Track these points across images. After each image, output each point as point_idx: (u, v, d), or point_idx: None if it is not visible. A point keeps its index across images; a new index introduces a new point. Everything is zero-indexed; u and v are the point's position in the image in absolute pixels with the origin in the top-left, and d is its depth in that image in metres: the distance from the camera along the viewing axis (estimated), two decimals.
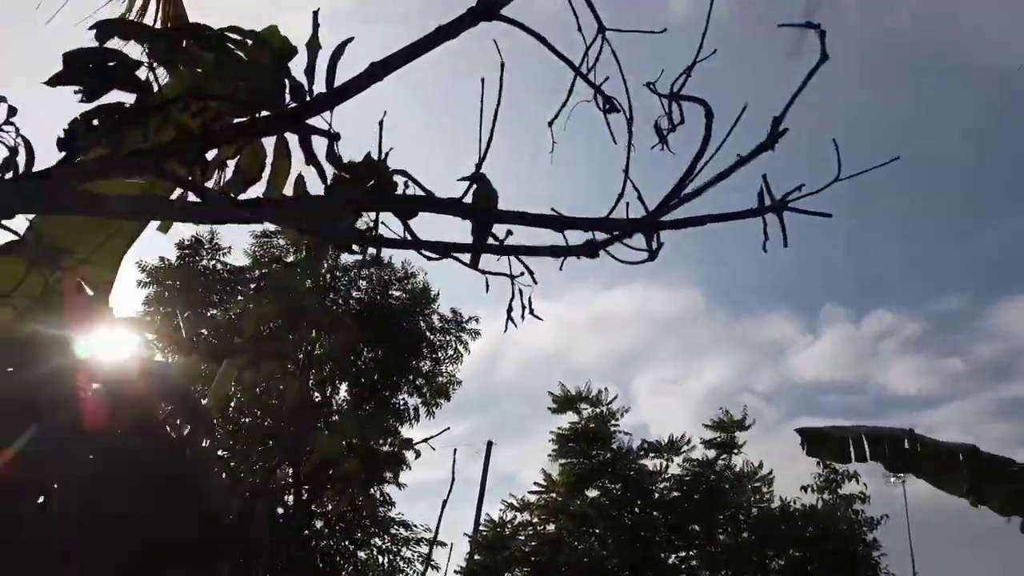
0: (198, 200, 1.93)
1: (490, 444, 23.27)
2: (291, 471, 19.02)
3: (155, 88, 2.05)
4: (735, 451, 26.33)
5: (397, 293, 21.75)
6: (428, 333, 21.66)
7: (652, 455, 26.43)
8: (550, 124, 2.54)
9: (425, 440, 16.17)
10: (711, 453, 26.41)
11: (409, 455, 19.27)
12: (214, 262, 20.65)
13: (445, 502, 19.15)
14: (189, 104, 2.01)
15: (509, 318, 2.91)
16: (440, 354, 21.67)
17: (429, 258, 2.65)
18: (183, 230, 19.44)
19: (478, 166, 1.90)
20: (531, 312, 2.91)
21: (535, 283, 2.90)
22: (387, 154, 2.21)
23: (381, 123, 2.11)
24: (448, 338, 21.89)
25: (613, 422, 26.65)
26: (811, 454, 10.53)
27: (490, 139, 1.92)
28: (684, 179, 2.11)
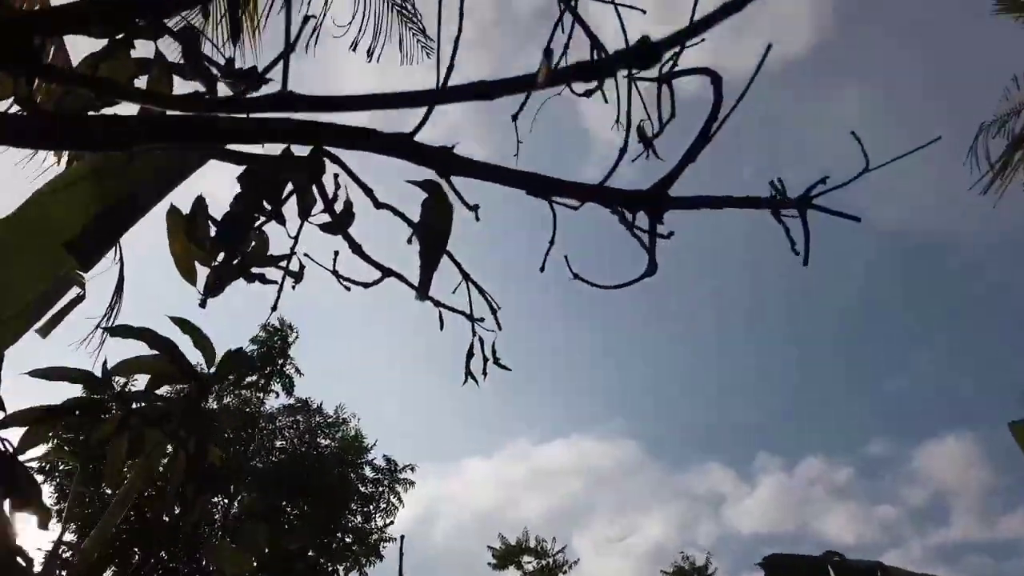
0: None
1: None
2: None
3: None
4: None
5: (326, 442, 20.36)
6: (360, 485, 20.15)
7: None
8: (514, 118, 2.10)
9: None
10: None
11: None
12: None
13: None
14: None
15: (468, 372, 2.32)
16: (372, 507, 20.09)
17: (366, 285, 2.08)
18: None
19: (439, 90, 1.40)
20: (496, 361, 2.33)
21: (499, 327, 2.35)
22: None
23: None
24: (381, 489, 20.40)
25: (560, 575, 24.89)
26: None
27: (450, 67, 1.44)
28: (695, 147, 1.66)
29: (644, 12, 2.17)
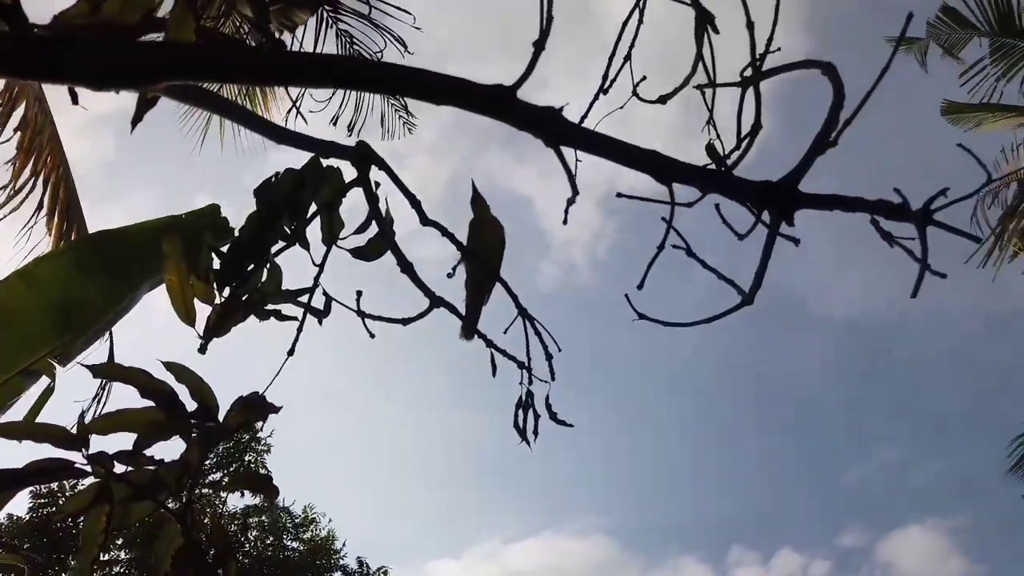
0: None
1: None
2: None
3: None
4: None
5: (293, 544, 19.11)
6: None
7: None
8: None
9: None
10: None
11: None
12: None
13: None
14: None
15: (520, 430, 1.94)
16: None
17: (405, 322, 1.72)
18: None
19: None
20: (552, 416, 1.96)
21: (553, 377, 1.99)
22: None
23: None
24: None
25: None
26: None
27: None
28: (825, 134, 1.38)
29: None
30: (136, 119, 1.44)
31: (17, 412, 2.37)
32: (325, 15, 6.46)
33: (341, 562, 19.33)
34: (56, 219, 5.64)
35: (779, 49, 1.81)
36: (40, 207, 5.54)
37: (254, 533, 18.83)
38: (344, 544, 19.37)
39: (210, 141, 8.29)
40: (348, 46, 6.75)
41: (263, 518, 18.84)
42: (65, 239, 5.75)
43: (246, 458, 18.58)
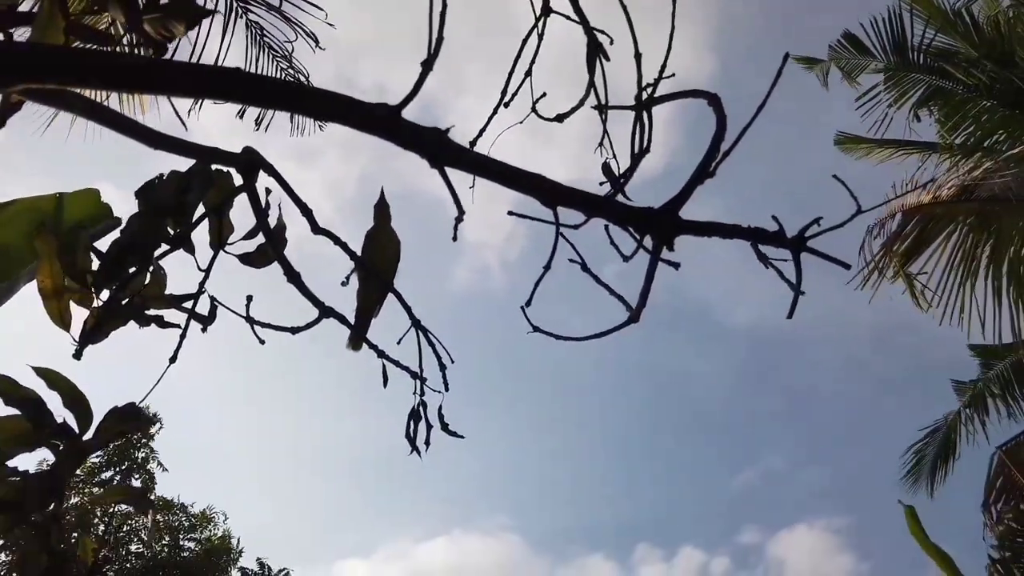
0: None
1: None
2: None
3: None
4: None
5: (190, 544, 18.43)
6: None
7: None
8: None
9: None
10: None
11: None
12: None
13: None
14: None
15: (411, 440, 1.94)
16: None
17: (294, 331, 1.69)
18: None
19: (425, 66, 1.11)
20: (443, 428, 1.97)
21: (446, 388, 2.00)
22: None
23: None
24: None
25: None
26: None
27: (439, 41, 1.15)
28: (706, 164, 1.44)
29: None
30: None
31: None
32: (235, 5, 6.25)
33: (240, 563, 18.79)
34: None
35: (673, 75, 1.88)
36: None
37: (146, 535, 18.06)
38: (239, 543, 18.82)
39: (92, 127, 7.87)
40: (259, 37, 6.55)
41: (158, 518, 18.09)
42: None
43: (139, 454, 17.79)
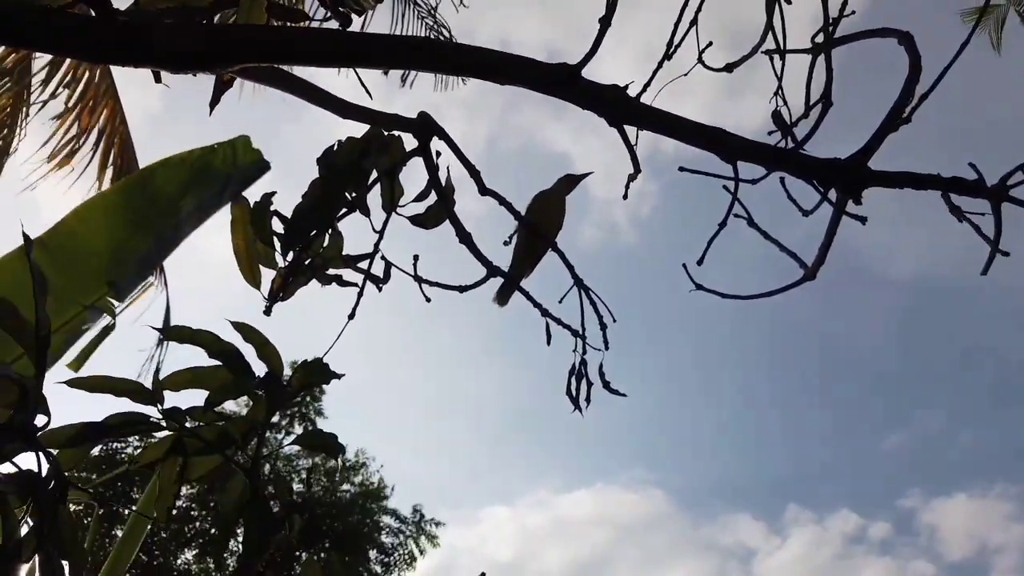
0: None
1: None
2: None
3: None
4: None
5: (345, 486, 19.78)
6: (378, 534, 19.48)
7: None
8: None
9: None
10: None
11: None
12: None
13: None
14: None
15: (574, 397, 1.97)
16: (392, 557, 19.39)
17: (462, 289, 1.75)
18: None
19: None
20: (605, 385, 1.98)
21: (606, 347, 2.01)
22: None
23: None
24: (403, 539, 19.70)
25: None
26: None
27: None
28: (898, 109, 1.34)
29: None
30: (214, 102, 1.47)
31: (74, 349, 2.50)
32: None
33: (391, 507, 19.93)
34: (110, 170, 5.79)
35: (853, 12, 1.74)
36: (105, 162, 5.69)
37: (307, 474, 19.53)
38: (392, 488, 19.94)
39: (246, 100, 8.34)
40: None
41: (316, 460, 19.48)
42: None
43: (304, 405, 19.16)
